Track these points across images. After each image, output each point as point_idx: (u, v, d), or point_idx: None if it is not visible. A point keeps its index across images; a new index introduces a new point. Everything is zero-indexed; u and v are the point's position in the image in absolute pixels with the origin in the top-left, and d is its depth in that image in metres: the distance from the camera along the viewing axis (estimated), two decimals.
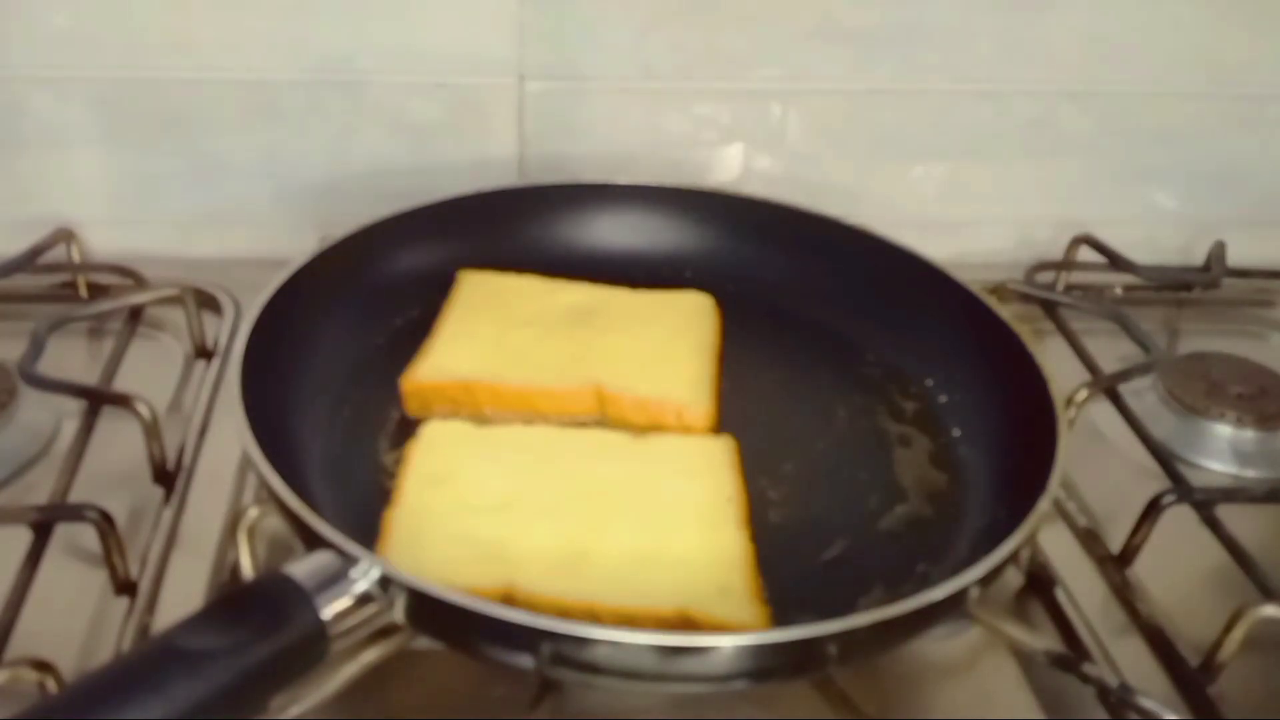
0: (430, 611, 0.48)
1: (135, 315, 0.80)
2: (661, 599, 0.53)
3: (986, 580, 0.51)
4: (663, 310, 0.75)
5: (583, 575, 0.54)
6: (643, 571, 0.55)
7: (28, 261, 0.81)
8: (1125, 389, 0.76)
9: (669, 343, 0.71)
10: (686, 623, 0.52)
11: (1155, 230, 0.93)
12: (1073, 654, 0.56)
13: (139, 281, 0.81)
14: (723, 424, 0.66)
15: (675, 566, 0.55)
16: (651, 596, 0.53)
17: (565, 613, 0.51)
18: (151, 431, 0.66)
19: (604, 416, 0.67)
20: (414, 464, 0.61)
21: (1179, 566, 0.65)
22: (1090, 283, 0.89)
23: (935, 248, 0.74)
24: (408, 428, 0.65)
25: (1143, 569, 0.64)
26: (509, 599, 0.53)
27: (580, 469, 0.61)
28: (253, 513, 0.56)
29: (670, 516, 0.59)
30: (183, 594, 0.58)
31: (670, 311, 0.75)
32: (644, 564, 0.55)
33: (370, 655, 0.51)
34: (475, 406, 0.67)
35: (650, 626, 0.52)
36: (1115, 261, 0.88)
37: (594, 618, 0.51)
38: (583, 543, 0.56)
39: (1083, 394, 0.72)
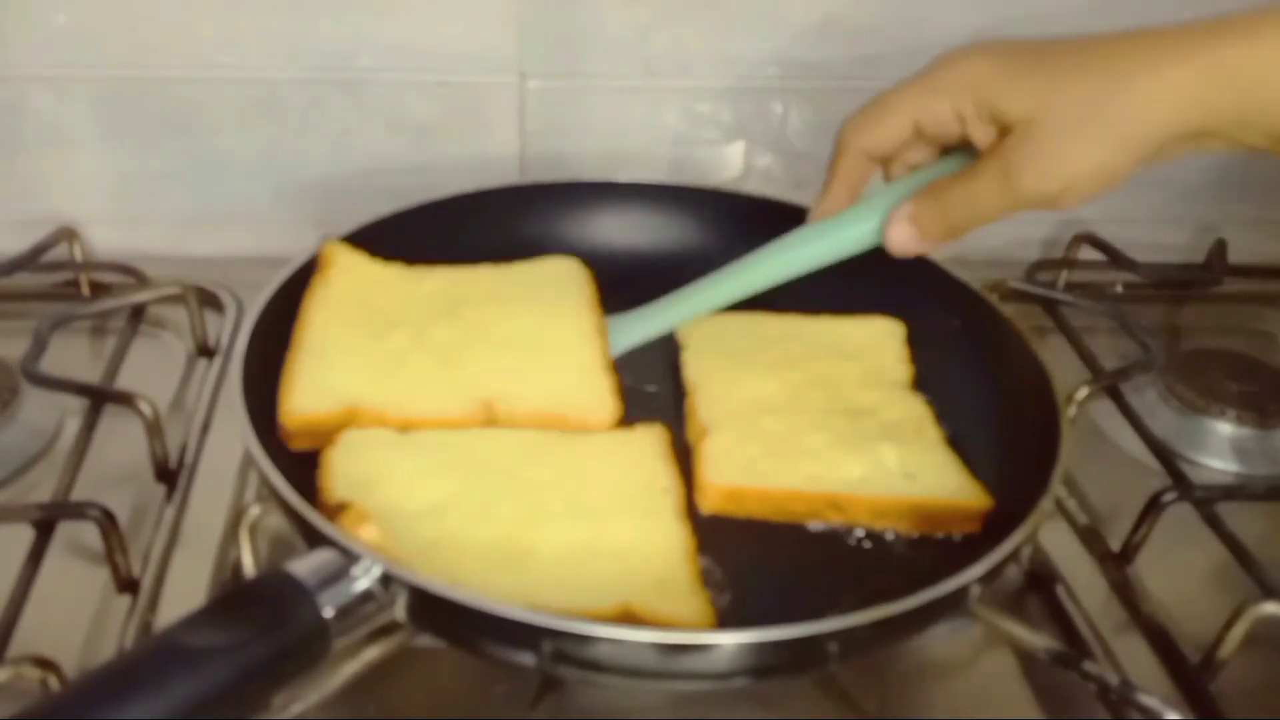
0: (432, 609, 0.48)
1: (137, 314, 0.80)
2: (604, 594, 0.52)
3: (987, 578, 0.51)
4: (531, 286, 0.72)
5: (526, 574, 0.54)
6: (585, 568, 0.55)
7: (30, 260, 0.81)
8: (1126, 387, 0.76)
9: (550, 329, 0.68)
10: (630, 618, 0.52)
11: (1156, 228, 0.92)
12: (1073, 652, 0.56)
13: (141, 280, 0.82)
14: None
15: (616, 561, 0.55)
16: (594, 593, 0.53)
17: None
18: (153, 430, 0.66)
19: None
20: (335, 469, 0.58)
21: (1180, 564, 0.65)
22: (1091, 281, 0.89)
23: None
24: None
25: (1143, 566, 0.64)
26: None
27: (510, 469, 0.60)
28: (254, 511, 0.56)
29: (606, 511, 0.58)
30: (185, 592, 0.58)
31: (540, 287, 0.72)
32: (585, 560, 0.55)
33: (371, 653, 0.51)
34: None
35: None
36: (1116, 259, 0.88)
37: None
38: (522, 541, 0.56)
39: (1084, 392, 0.72)
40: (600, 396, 0.65)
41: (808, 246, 0.63)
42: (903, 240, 0.58)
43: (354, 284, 0.70)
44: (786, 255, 0.64)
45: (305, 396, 0.62)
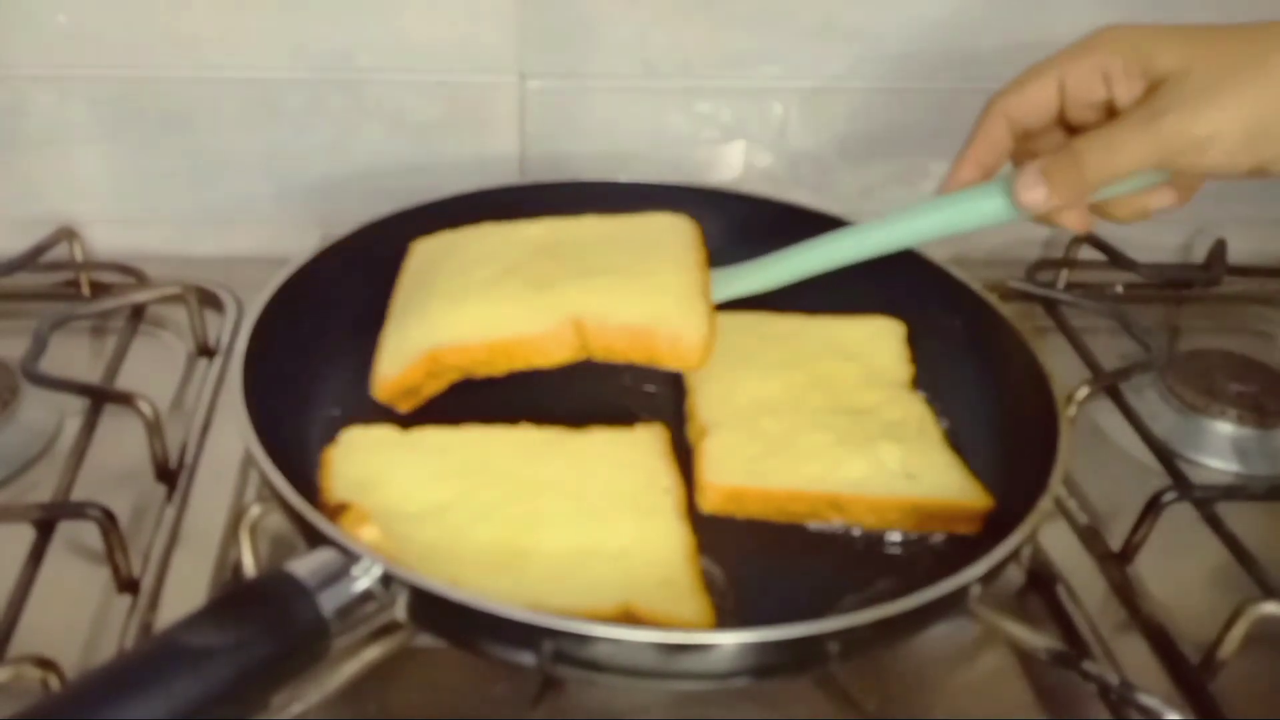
0: (432, 609, 0.48)
1: (137, 313, 0.80)
2: (605, 595, 0.53)
3: (987, 578, 0.51)
4: (637, 232, 0.70)
5: (525, 574, 0.54)
6: (585, 568, 0.55)
7: (30, 260, 0.81)
8: (1126, 387, 0.76)
9: (648, 260, 0.66)
10: (630, 618, 0.52)
11: (1156, 228, 0.92)
12: (1073, 651, 0.56)
13: (141, 280, 0.82)
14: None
15: (616, 561, 0.55)
16: (595, 593, 0.53)
17: None
18: (154, 429, 0.66)
19: (589, 355, 0.63)
20: (335, 470, 0.59)
21: (1180, 564, 0.65)
22: (1091, 280, 0.89)
23: (936, 246, 0.74)
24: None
25: (1143, 566, 0.64)
26: None
27: (511, 469, 0.60)
28: (255, 510, 0.56)
29: (607, 511, 0.58)
30: (185, 592, 0.58)
31: (645, 231, 0.70)
32: (585, 561, 0.55)
33: (372, 653, 0.51)
34: (457, 373, 0.63)
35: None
36: (1116, 259, 0.88)
37: None
38: (522, 542, 0.56)
39: (1084, 392, 0.72)
40: (693, 318, 0.63)
41: (931, 216, 0.61)
42: (1033, 197, 0.56)
43: (442, 251, 0.71)
44: (907, 224, 0.62)
45: (387, 364, 0.65)
